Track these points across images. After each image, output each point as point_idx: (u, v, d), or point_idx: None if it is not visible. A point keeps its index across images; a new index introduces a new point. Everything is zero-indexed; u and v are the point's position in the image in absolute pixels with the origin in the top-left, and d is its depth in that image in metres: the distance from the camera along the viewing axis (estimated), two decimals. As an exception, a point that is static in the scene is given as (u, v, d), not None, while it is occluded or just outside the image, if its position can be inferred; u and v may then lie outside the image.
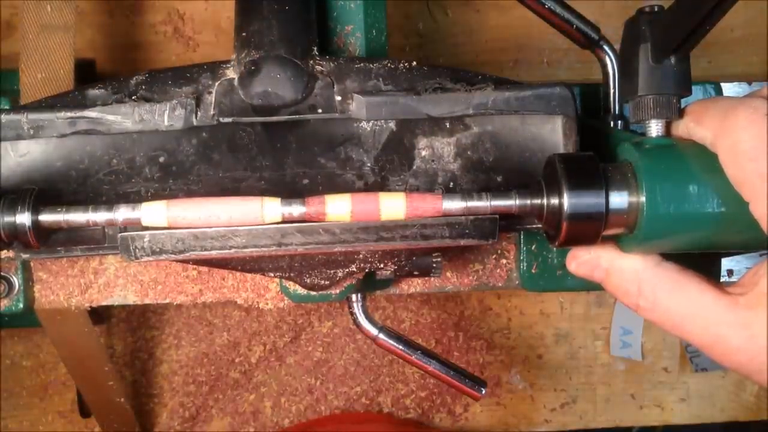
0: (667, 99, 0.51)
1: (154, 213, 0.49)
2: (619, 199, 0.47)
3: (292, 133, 0.53)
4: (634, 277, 0.49)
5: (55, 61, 0.63)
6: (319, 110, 0.53)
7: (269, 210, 0.49)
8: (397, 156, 0.54)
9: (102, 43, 0.86)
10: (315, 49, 0.54)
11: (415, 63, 0.54)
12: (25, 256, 0.55)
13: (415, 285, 0.67)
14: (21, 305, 0.63)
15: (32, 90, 0.62)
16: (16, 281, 0.63)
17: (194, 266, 0.65)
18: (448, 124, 0.54)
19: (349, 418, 0.93)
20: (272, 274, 0.55)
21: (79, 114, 0.52)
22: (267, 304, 0.65)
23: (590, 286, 0.54)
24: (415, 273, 0.59)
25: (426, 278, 0.65)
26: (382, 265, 0.54)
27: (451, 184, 0.54)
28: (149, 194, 0.53)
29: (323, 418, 0.94)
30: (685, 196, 0.46)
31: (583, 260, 0.52)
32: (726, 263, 0.75)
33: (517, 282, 0.66)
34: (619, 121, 0.59)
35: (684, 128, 0.50)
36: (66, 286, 0.64)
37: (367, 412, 0.94)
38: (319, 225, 0.49)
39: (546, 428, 0.98)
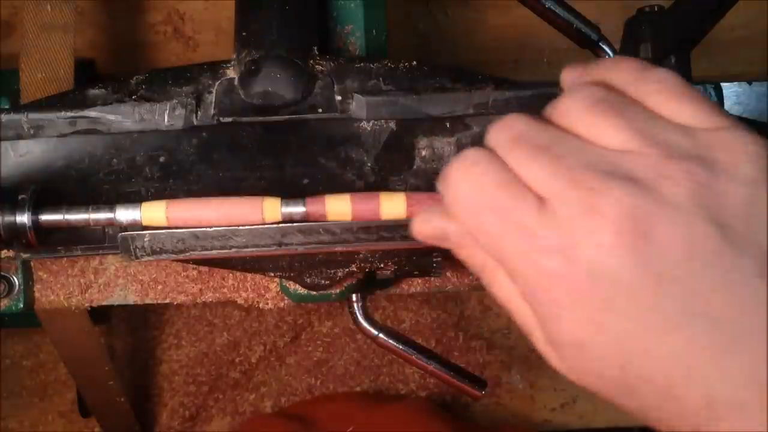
0: (667, 99, 0.51)
1: (154, 213, 0.49)
2: (619, 199, 0.47)
3: (293, 133, 0.53)
4: None
5: (55, 61, 0.63)
6: (320, 110, 0.53)
7: (269, 210, 0.49)
8: (398, 156, 0.54)
9: (102, 43, 0.86)
10: (315, 49, 0.54)
11: (415, 63, 0.54)
12: (25, 256, 0.55)
13: (415, 285, 0.67)
14: (21, 305, 0.63)
15: (32, 90, 0.62)
16: (16, 281, 0.63)
17: (194, 266, 0.65)
18: (448, 124, 0.53)
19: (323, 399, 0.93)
20: (273, 274, 0.55)
21: (79, 114, 0.52)
22: (267, 304, 0.65)
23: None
24: (415, 273, 0.59)
25: (426, 278, 0.65)
26: (382, 265, 0.54)
27: (452, 183, 0.54)
28: (149, 194, 0.53)
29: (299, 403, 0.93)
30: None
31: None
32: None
33: (517, 282, 0.65)
34: (619, 121, 0.59)
35: None
36: (66, 286, 0.64)
37: (339, 393, 0.93)
38: (320, 225, 0.49)
39: (546, 428, 0.97)
